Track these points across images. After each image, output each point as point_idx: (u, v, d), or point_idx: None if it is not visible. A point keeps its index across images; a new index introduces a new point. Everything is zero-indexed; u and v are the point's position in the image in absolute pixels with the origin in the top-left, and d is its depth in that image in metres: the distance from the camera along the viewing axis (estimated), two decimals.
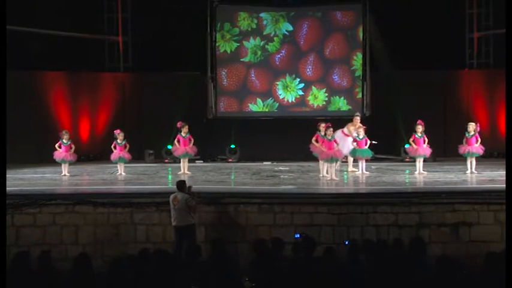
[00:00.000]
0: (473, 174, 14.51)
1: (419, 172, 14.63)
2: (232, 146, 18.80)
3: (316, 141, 14.38)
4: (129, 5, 19.94)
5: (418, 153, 14.71)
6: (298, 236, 8.56)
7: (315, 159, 14.84)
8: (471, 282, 6.09)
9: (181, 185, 10.92)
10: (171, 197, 10.85)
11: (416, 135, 14.63)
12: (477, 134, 14.62)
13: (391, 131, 18.07)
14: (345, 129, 15.19)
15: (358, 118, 15.43)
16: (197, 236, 10.95)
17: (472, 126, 14.65)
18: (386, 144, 18.40)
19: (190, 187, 11.08)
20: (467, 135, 14.65)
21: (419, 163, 14.71)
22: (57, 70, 18.91)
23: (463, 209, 11.24)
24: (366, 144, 14.73)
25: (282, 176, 14.88)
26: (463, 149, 14.70)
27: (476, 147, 14.59)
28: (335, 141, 13.91)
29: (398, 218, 11.22)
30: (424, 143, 14.61)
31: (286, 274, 6.62)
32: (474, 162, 14.68)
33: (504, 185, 10.25)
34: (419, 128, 14.61)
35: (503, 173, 12.07)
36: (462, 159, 15.28)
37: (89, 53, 19.29)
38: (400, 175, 14.92)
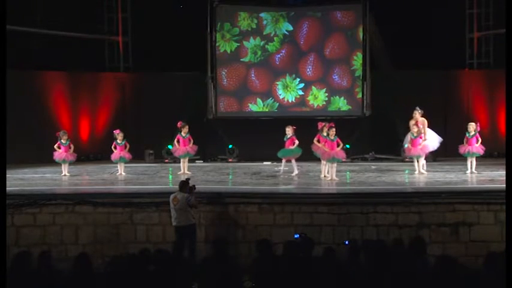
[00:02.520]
0: (473, 174, 14.50)
1: (418, 172, 14.62)
2: (230, 146, 18.79)
3: (318, 141, 14.38)
4: (129, 5, 19.96)
5: (412, 154, 14.71)
6: (298, 236, 8.56)
7: (315, 159, 14.84)
8: (471, 282, 6.08)
9: (182, 185, 10.92)
10: (171, 197, 10.86)
11: (411, 136, 14.58)
12: (477, 134, 14.63)
13: (391, 131, 18.07)
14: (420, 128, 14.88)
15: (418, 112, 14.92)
16: (197, 235, 10.96)
17: (472, 126, 14.66)
18: (387, 144, 18.43)
19: (187, 181, 11.06)
20: (467, 135, 14.65)
21: (418, 163, 14.69)
22: (57, 70, 18.93)
23: (463, 209, 11.23)
24: (293, 144, 14.62)
25: (282, 176, 14.88)
26: (463, 149, 14.71)
27: (477, 147, 14.60)
28: (338, 141, 13.89)
29: (399, 218, 11.22)
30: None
31: (286, 274, 6.62)
32: (474, 162, 14.68)
33: (504, 185, 10.27)
34: (415, 128, 14.61)
35: (503, 173, 12.12)
36: (462, 159, 15.29)
37: (89, 53, 19.29)
38: (400, 175, 14.92)
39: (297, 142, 14.71)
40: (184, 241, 10.58)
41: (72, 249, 11.22)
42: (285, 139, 14.80)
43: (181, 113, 17.07)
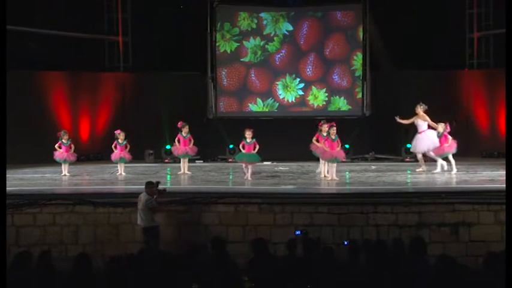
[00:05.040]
0: (450, 173, 14.40)
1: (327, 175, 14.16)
2: (231, 146, 18.77)
3: (317, 141, 14.34)
4: (129, 5, 19.95)
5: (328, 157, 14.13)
6: (299, 233, 8.54)
7: (315, 159, 14.83)
8: (471, 282, 6.08)
9: (146, 186, 10.85)
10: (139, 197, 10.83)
11: (321, 135, 14.10)
12: (446, 133, 14.51)
13: (391, 131, 18.05)
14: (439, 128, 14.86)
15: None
16: (161, 238, 10.71)
17: (441, 126, 14.57)
18: (387, 144, 18.43)
19: (152, 183, 10.89)
20: (437, 135, 14.61)
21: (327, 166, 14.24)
22: (57, 70, 18.92)
23: (463, 209, 11.22)
24: (254, 149, 14.20)
25: (282, 176, 14.86)
26: (437, 150, 14.68)
27: (447, 146, 14.46)
28: (338, 141, 13.86)
29: (398, 218, 11.21)
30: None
31: (286, 274, 6.62)
32: (453, 161, 14.52)
33: (504, 185, 10.27)
34: (326, 128, 13.99)
35: (503, 173, 12.11)
36: (461, 159, 15.30)
37: (89, 53, 19.29)
38: (400, 175, 14.91)
39: (257, 147, 14.22)
40: (150, 242, 10.41)
41: (72, 249, 11.20)
42: (247, 143, 14.23)
43: (181, 113, 17.06)
